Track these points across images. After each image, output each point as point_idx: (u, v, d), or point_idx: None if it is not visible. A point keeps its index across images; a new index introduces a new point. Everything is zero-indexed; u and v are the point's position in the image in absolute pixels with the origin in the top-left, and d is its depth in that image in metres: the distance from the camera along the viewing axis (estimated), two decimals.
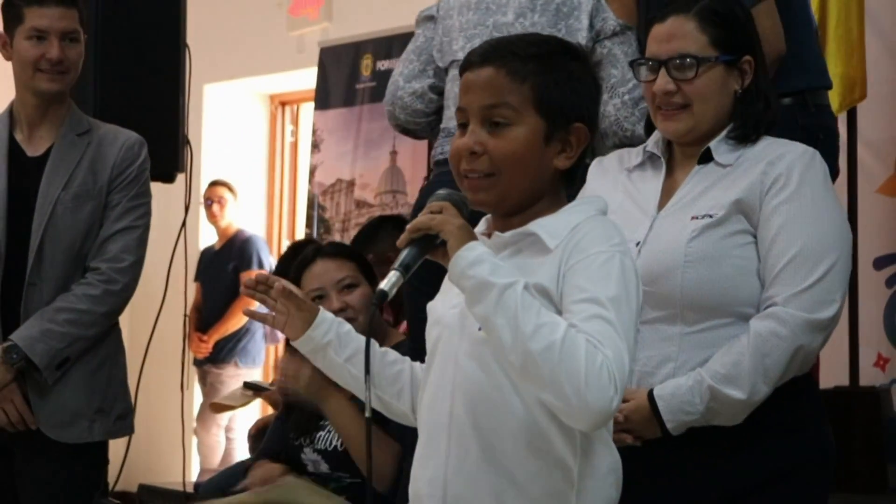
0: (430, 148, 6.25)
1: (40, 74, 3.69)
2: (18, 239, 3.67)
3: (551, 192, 2.29)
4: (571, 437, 2.17)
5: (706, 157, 2.79)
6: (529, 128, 2.23)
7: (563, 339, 2.04)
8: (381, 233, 4.98)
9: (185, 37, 4.59)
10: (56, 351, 3.63)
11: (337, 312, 3.85)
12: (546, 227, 2.23)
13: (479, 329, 2.19)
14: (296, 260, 4.16)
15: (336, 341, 2.41)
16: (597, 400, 2.04)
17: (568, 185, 2.32)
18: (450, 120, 3.73)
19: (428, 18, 3.88)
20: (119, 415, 3.81)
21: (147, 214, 3.80)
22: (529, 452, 2.17)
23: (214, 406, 6.58)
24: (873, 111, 4.85)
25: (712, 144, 2.77)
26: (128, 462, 4.30)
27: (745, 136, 2.79)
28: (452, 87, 3.72)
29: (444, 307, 2.32)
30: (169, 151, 4.41)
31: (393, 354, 2.49)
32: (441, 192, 2.28)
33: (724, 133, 2.78)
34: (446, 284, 2.33)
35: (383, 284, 2.18)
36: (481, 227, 2.34)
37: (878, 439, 4.66)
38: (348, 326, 2.45)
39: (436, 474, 2.24)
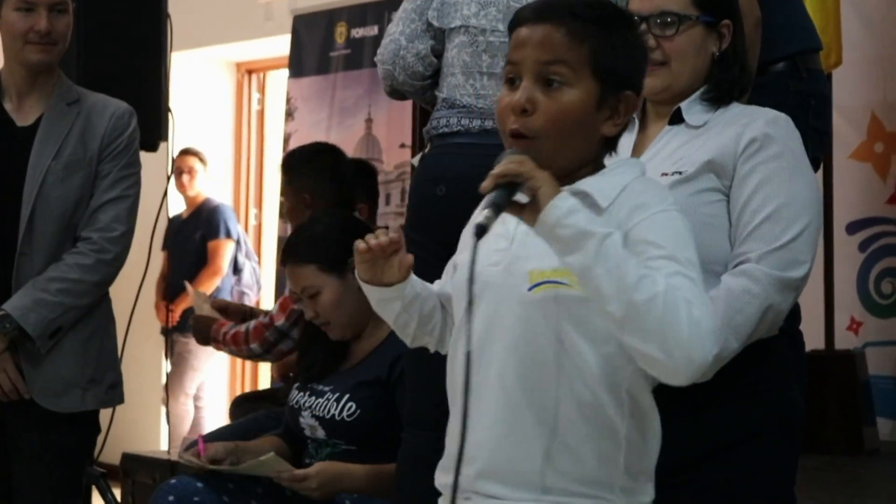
0: (413, 113, 6.26)
1: (30, 46, 3.68)
2: (9, 209, 3.64)
3: (595, 158, 2.26)
4: (620, 400, 2.16)
5: (677, 118, 2.78)
6: (584, 90, 2.18)
7: (665, 291, 2.00)
8: (315, 164, 4.88)
9: (166, 6, 4.59)
10: (48, 320, 3.63)
11: (311, 319, 3.94)
12: (596, 185, 2.19)
13: (529, 290, 2.16)
14: None
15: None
16: (698, 352, 2.02)
17: (609, 151, 2.28)
18: (454, 89, 3.64)
19: None
20: (111, 384, 3.81)
21: (137, 184, 3.80)
22: (580, 415, 2.15)
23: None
24: (847, 78, 4.90)
25: (683, 105, 2.76)
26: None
27: (718, 99, 2.77)
28: (459, 53, 3.64)
29: (482, 264, 2.19)
30: (152, 121, 4.40)
31: (427, 289, 2.50)
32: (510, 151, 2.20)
33: (696, 94, 2.77)
34: (471, 241, 2.25)
35: (482, 219, 2.06)
36: None
37: (853, 402, 4.71)
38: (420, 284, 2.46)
39: (484, 436, 2.20)
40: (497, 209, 2.08)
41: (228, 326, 4.79)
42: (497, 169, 2.11)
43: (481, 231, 2.05)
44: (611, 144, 2.27)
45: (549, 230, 2.06)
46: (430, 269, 3.61)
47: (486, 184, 2.11)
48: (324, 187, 4.73)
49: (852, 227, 5.28)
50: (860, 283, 5.27)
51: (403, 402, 3.63)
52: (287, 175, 4.92)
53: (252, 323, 4.71)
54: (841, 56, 4.75)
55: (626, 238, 2.10)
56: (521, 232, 2.21)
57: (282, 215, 5.22)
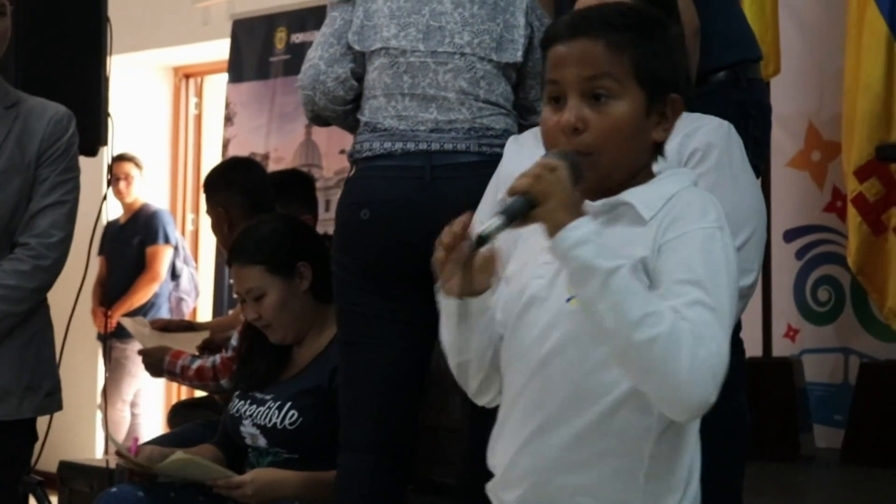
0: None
1: None
2: None
3: (647, 165, 2.21)
4: (648, 419, 2.10)
5: None
6: (632, 100, 2.13)
7: (668, 331, 1.94)
8: (226, 179, 4.92)
9: (107, 10, 4.55)
10: None
11: (252, 322, 3.92)
12: (640, 196, 2.14)
13: (567, 300, 2.12)
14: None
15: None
16: (696, 396, 1.96)
17: (657, 157, 2.23)
18: (376, 111, 3.63)
19: (346, 1, 3.75)
20: (48, 391, 3.75)
21: (76, 189, 3.75)
22: (602, 431, 2.11)
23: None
24: (784, 87, 4.93)
25: None
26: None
27: None
28: (380, 75, 3.64)
29: (529, 275, 2.20)
30: (91, 125, 4.36)
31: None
32: (561, 149, 2.13)
33: None
34: (525, 249, 2.26)
35: (483, 228, 2.03)
36: None
37: (790, 409, 4.74)
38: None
39: (508, 445, 2.21)
40: (511, 219, 2.03)
41: (185, 359, 4.72)
42: (514, 184, 2.05)
43: (481, 242, 2.04)
44: (659, 150, 2.23)
45: (559, 258, 2.03)
46: (355, 291, 3.63)
47: (504, 195, 2.07)
48: (235, 199, 4.77)
49: (789, 235, 5.32)
50: (797, 291, 5.31)
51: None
52: (205, 192, 4.96)
53: (217, 358, 4.64)
54: (779, 65, 4.79)
55: (659, 252, 2.07)
56: None
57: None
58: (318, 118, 3.86)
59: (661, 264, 2.06)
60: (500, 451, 2.25)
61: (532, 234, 2.13)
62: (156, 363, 4.77)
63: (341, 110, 3.76)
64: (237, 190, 4.80)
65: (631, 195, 2.15)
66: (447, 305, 2.20)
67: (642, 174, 2.19)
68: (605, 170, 2.14)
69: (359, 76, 3.73)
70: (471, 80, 3.60)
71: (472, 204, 3.40)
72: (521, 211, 2.02)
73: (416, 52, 3.61)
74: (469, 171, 3.53)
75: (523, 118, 3.71)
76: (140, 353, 4.90)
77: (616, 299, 1.96)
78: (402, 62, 3.62)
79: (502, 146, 3.56)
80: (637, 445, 2.10)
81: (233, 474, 3.75)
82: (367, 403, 3.62)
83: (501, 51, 3.64)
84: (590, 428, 2.11)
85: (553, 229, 2.01)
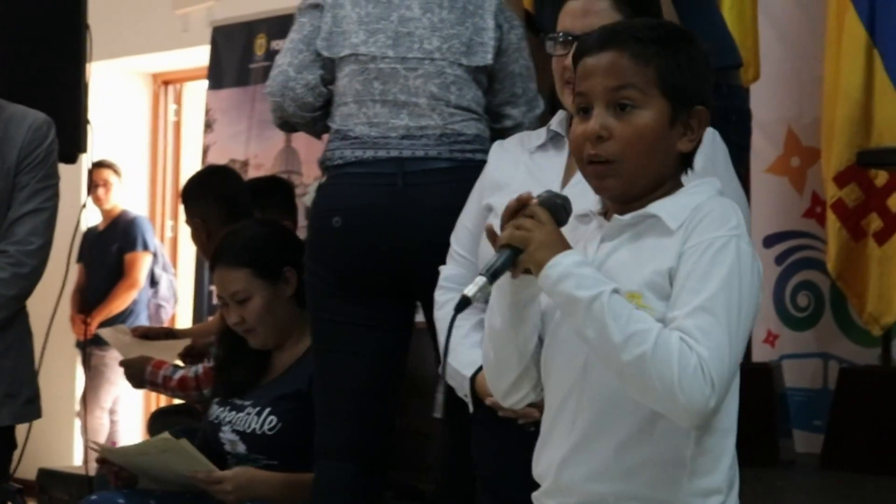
0: None
1: None
2: None
3: (673, 176, 2.25)
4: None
5: None
6: (656, 110, 2.19)
7: (654, 346, 2.02)
8: (202, 189, 4.94)
9: (86, 17, 4.54)
10: None
11: (234, 326, 3.91)
12: (667, 208, 2.19)
13: None
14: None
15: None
16: (691, 403, 2.02)
17: (685, 168, 2.28)
18: (347, 118, 3.63)
19: (314, 6, 3.73)
20: (27, 399, 3.76)
21: (55, 196, 3.75)
22: (642, 436, 2.15)
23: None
24: (764, 92, 4.94)
25: None
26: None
27: None
28: (351, 81, 3.64)
29: None
30: (71, 132, 4.34)
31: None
32: (542, 193, 2.21)
33: None
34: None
35: (468, 290, 2.11)
36: (595, 204, 2.31)
37: (770, 414, 4.75)
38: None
39: (556, 455, 2.24)
40: (494, 277, 2.12)
41: (167, 369, 4.70)
42: (500, 239, 2.15)
43: (464, 304, 2.12)
44: (687, 161, 2.28)
45: (548, 296, 2.13)
46: (327, 298, 3.63)
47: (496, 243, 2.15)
48: (212, 208, 4.77)
49: (769, 241, 5.33)
50: (777, 296, 5.31)
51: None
52: (183, 202, 4.97)
53: (200, 368, 4.62)
54: (759, 71, 4.79)
55: (680, 259, 2.12)
56: (600, 256, 2.22)
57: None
58: (287, 124, 3.87)
59: (678, 271, 2.12)
60: (546, 461, 2.28)
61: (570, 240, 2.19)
62: (137, 374, 4.74)
63: (310, 117, 3.76)
64: (214, 199, 4.80)
65: (657, 207, 2.20)
66: (502, 284, 2.22)
67: (669, 185, 2.24)
68: (627, 177, 2.20)
69: (328, 82, 3.72)
70: (441, 85, 3.59)
71: (444, 210, 3.42)
72: (504, 266, 2.13)
73: (386, 58, 3.61)
74: (441, 178, 3.53)
75: (492, 121, 3.71)
76: (121, 364, 4.87)
77: (599, 325, 2.04)
78: (372, 68, 3.61)
79: (474, 152, 3.56)
80: (679, 449, 2.14)
81: (215, 468, 3.74)
82: (340, 410, 3.62)
83: (471, 55, 3.64)
84: (632, 436, 2.16)
85: (536, 270, 2.11)
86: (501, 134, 3.68)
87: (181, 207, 5.20)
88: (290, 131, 3.95)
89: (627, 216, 2.22)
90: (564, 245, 2.12)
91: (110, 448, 3.81)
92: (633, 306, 2.07)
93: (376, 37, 3.62)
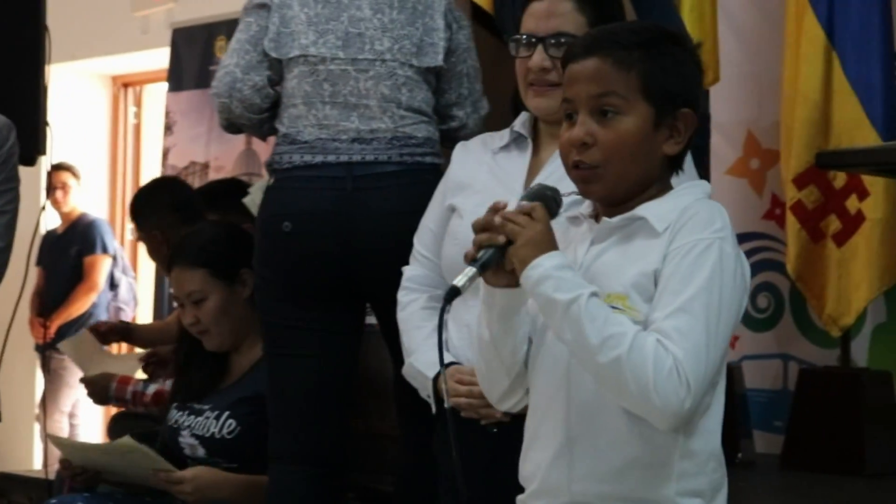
0: None
1: None
2: None
3: (660, 178, 2.27)
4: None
5: None
6: (639, 116, 2.22)
7: (629, 349, 2.04)
8: (153, 202, 4.93)
9: (45, 18, 4.51)
10: None
11: (189, 326, 3.89)
12: (654, 210, 2.21)
13: None
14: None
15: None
16: (666, 405, 2.04)
17: (674, 170, 2.31)
18: (295, 120, 3.62)
19: (260, 6, 3.71)
20: None
21: (16, 199, 3.73)
22: (629, 437, 2.17)
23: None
24: (723, 95, 4.95)
25: None
26: None
27: None
28: (300, 83, 3.62)
29: None
30: (30, 135, 4.31)
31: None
32: (534, 186, 2.26)
33: None
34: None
35: (458, 281, 2.12)
36: (586, 208, 2.33)
37: (731, 415, 4.75)
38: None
39: (541, 457, 2.26)
40: (483, 268, 2.14)
41: (136, 385, 4.65)
42: (475, 239, 2.17)
43: (454, 294, 2.12)
44: (676, 163, 2.30)
45: (529, 296, 2.15)
46: (276, 303, 3.62)
47: (469, 252, 2.17)
48: (168, 219, 4.76)
49: None
50: None
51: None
52: (136, 220, 4.95)
53: (171, 382, 4.59)
54: (718, 73, 4.80)
55: (665, 261, 2.15)
56: (589, 258, 2.24)
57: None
58: (233, 126, 3.83)
59: (664, 274, 2.14)
60: (532, 463, 2.29)
61: (558, 244, 2.19)
62: (100, 391, 4.69)
63: (257, 119, 3.73)
64: (168, 210, 4.78)
65: (645, 209, 2.22)
66: (490, 296, 2.24)
67: (657, 187, 2.27)
68: (611, 182, 2.23)
69: (275, 84, 3.70)
70: (392, 86, 3.59)
71: (393, 213, 3.42)
72: (493, 257, 2.15)
73: (336, 59, 3.59)
74: (390, 181, 3.53)
75: (438, 122, 3.71)
76: (83, 381, 4.81)
77: (577, 328, 2.07)
78: (322, 70, 3.59)
79: (423, 155, 3.56)
80: (666, 450, 2.16)
81: (175, 469, 3.73)
82: (291, 414, 3.62)
83: (422, 55, 3.63)
84: (619, 437, 2.17)
85: (520, 267, 2.13)
86: (446, 135, 3.69)
87: None
88: (235, 133, 3.90)
89: (616, 219, 2.24)
90: (551, 246, 2.14)
91: (70, 443, 3.78)
92: (609, 309, 2.09)
93: (326, 38, 3.60)
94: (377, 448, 4.08)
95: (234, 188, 5.33)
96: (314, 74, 3.60)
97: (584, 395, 2.19)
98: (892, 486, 4.20)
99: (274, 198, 3.63)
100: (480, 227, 2.19)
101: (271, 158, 3.66)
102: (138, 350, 5.21)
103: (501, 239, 2.14)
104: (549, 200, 2.23)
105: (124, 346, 6.68)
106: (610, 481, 2.18)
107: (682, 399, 2.04)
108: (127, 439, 3.70)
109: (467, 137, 3.49)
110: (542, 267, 2.10)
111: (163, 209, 4.81)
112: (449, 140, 3.70)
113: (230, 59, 3.70)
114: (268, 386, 3.67)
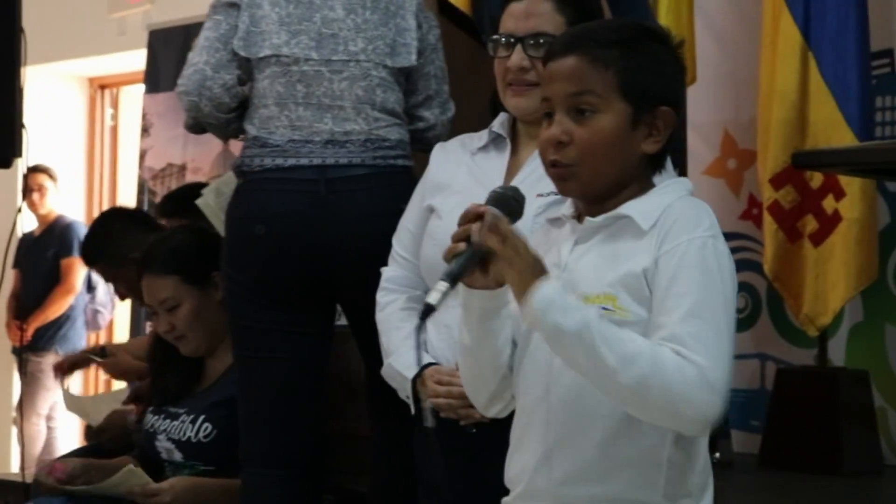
0: None
1: None
2: None
3: (640, 176, 2.24)
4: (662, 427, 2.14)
5: None
6: (615, 114, 2.19)
7: (651, 366, 2.00)
8: (115, 230, 4.83)
9: (20, 20, 4.49)
10: None
11: (164, 334, 3.88)
12: (639, 208, 2.18)
13: None
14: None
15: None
16: (699, 413, 2.02)
17: (656, 169, 2.28)
18: (267, 121, 3.58)
19: (230, 5, 3.66)
20: None
21: None
22: (619, 437, 2.15)
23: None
24: (700, 95, 4.95)
25: None
26: None
27: None
28: (272, 83, 3.59)
29: None
30: (6, 137, 4.30)
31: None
32: (490, 194, 2.18)
33: None
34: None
35: (431, 298, 2.06)
36: (568, 209, 2.30)
37: None
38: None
39: (528, 458, 2.24)
40: (454, 281, 2.09)
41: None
42: (450, 248, 2.11)
43: (428, 311, 2.07)
44: (656, 161, 2.27)
45: (529, 323, 2.10)
46: (246, 305, 3.61)
47: (449, 249, 2.11)
48: (139, 247, 4.57)
49: None
50: None
51: None
52: (100, 266, 4.87)
53: None
54: (695, 73, 4.81)
55: (656, 263, 2.12)
56: (573, 258, 2.22)
57: (124, 298, 5.02)
58: (198, 126, 3.79)
59: (656, 276, 2.11)
60: (518, 465, 2.27)
61: (540, 246, 2.18)
62: (120, 435, 4.49)
63: (224, 118, 3.70)
64: (132, 241, 4.61)
65: (629, 208, 2.19)
66: (468, 299, 2.20)
67: (637, 185, 2.24)
68: (587, 180, 2.20)
69: (243, 83, 3.67)
70: (367, 87, 3.58)
71: (366, 215, 3.42)
72: (463, 268, 2.08)
73: (310, 60, 3.57)
74: (363, 184, 3.52)
75: (408, 123, 3.71)
76: (96, 431, 4.60)
77: (592, 353, 2.01)
78: (295, 71, 3.57)
79: (396, 157, 3.56)
80: (655, 452, 2.15)
81: (150, 481, 3.72)
82: (261, 416, 3.61)
83: (396, 56, 3.63)
84: (607, 438, 2.15)
85: (517, 294, 2.08)
86: (413, 136, 3.68)
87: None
88: (198, 133, 3.86)
89: (599, 218, 2.22)
90: (539, 270, 2.08)
91: (63, 488, 3.72)
92: (616, 328, 2.05)
93: (299, 38, 3.59)
94: (355, 449, 4.08)
95: (199, 193, 5.29)
96: (287, 75, 3.58)
97: (571, 396, 2.17)
98: (869, 485, 4.21)
99: (245, 200, 3.60)
100: (453, 239, 2.13)
101: (240, 161, 3.63)
102: (119, 386, 5.12)
103: (462, 246, 2.09)
104: (508, 200, 2.18)
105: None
106: (597, 483, 2.16)
107: (713, 405, 2.02)
108: (129, 467, 3.68)
109: (435, 139, 3.49)
110: (542, 292, 2.04)
111: (127, 240, 4.65)
112: (416, 141, 3.70)
113: (199, 56, 3.65)
114: (238, 388, 3.66)
